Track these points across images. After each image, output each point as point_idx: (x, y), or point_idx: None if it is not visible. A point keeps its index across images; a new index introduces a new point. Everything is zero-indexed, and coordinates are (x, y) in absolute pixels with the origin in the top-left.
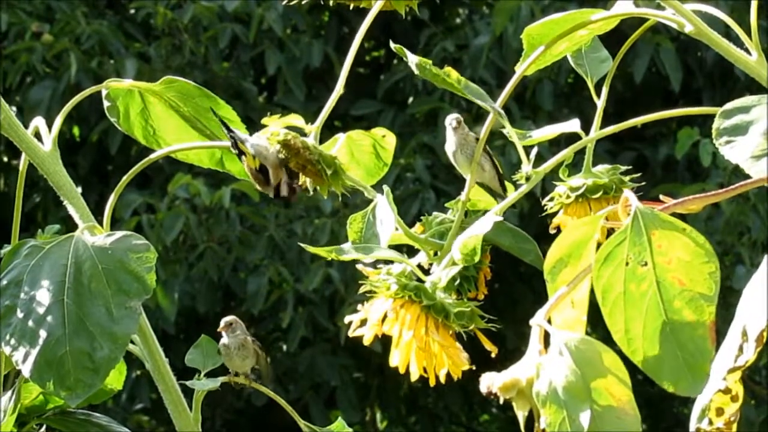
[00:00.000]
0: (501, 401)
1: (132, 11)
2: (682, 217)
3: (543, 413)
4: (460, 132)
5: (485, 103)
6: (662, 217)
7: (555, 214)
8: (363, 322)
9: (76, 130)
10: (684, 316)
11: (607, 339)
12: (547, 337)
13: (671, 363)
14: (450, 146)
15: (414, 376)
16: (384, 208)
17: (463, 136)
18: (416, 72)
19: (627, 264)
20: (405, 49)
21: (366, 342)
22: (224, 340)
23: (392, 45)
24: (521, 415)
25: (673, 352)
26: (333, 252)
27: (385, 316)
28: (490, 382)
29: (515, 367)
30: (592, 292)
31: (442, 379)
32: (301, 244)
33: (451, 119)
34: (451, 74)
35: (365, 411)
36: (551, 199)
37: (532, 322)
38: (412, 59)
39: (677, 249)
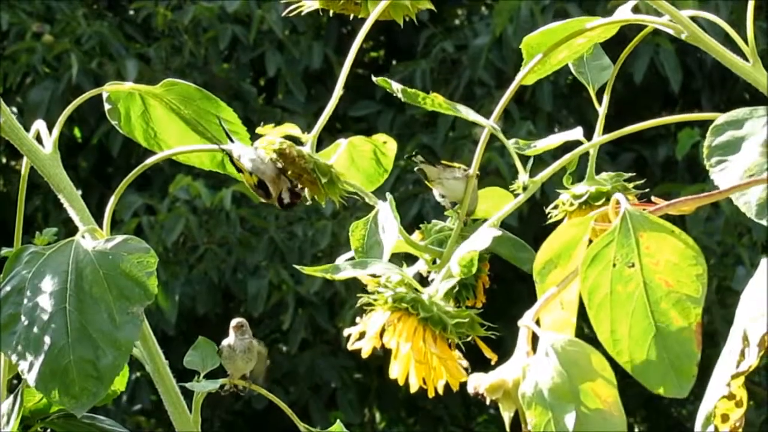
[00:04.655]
0: (488, 402)
1: (131, 12)
2: (682, 218)
3: (528, 415)
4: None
5: (478, 119)
6: (651, 219)
7: (559, 222)
8: (362, 335)
9: (77, 132)
10: (670, 317)
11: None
12: (535, 339)
13: (657, 365)
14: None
15: (413, 388)
16: (386, 216)
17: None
18: (402, 99)
19: (614, 265)
20: (388, 80)
21: (365, 355)
22: (230, 341)
23: (374, 78)
24: (507, 416)
25: (659, 353)
26: (329, 271)
27: (384, 329)
28: (477, 382)
29: (502, 368)
30: None
31: (441, 391)
32: (297, 266)
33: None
34: (437, 98)
35: (365, 412)
36: (555, 207)
37: (521, 323)
38: (396, 87)
39: (665, 251)
